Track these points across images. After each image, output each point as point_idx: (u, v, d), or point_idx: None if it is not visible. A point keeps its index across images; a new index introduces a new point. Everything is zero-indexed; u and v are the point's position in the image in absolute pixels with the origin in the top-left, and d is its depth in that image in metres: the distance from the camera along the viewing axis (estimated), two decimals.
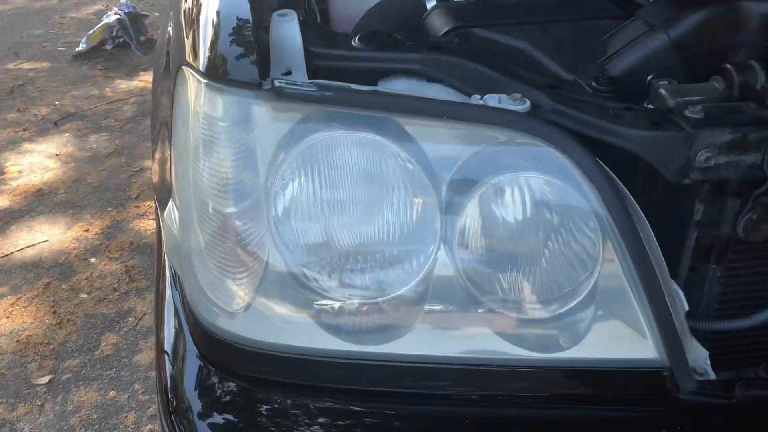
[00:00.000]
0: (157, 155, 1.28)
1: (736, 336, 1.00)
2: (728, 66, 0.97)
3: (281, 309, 0.91)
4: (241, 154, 0.91)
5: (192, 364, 0.97)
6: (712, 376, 0.89)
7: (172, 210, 1.02)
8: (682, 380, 0.86)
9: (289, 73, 0.95)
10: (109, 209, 2.90)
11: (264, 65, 0.92)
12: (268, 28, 1.01)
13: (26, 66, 4.35)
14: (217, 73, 0.91)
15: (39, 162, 3.26)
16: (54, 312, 2.33)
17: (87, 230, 2.76)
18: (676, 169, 0.89)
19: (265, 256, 0.90)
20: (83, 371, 2.10)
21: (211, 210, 0.92)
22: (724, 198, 0.92)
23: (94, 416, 1.95)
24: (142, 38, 4.59)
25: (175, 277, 1.06)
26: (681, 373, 0.86)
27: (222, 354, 0.93)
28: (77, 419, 1.94)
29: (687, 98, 0.95)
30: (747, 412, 0.88)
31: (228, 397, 0.93)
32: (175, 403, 0.96)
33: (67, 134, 3.53)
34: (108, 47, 4.51)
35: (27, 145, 3.41)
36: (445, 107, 0.86)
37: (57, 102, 3.87)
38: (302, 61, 0.96)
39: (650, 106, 0.99)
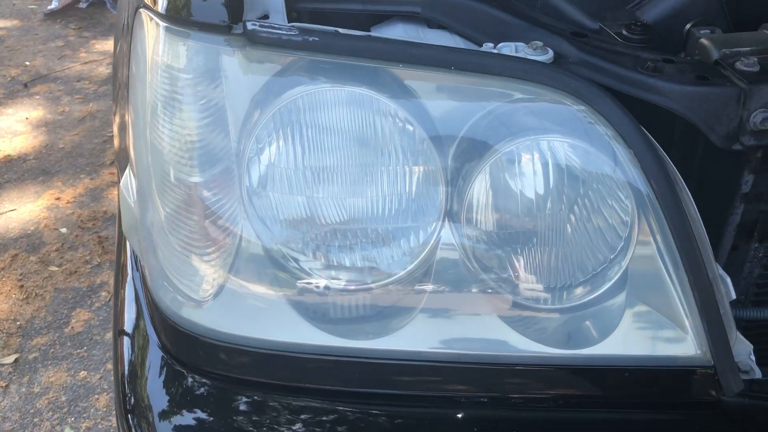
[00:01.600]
0: (117, 117, 1.12)
1: None
2: None
3: (256, 296, 0.77)
4: (209, 113, 0.76)
5: (154, 357, 0.83)
6: (758, 374, 0.77)
7: (129, 179, 0.87)
8: (728, 380, 0.73)
9: (266, 17, 0.80)
10: (81, 176, 2.73)
11: (236, 7, 0.77)
12: None
13: None
14: (179, 15, 0.75)
15: (7, 126, 3.07)
16: (21, 286, 2.18)
17: (58, 198, 2.59)
18: (726, 132, 0.75)
19: (238, 234, 0.76)
20: (52, 350, 1.96)
21: (173, 179, 0.78)
22: (764, 170, 0.79)
23: (63, 398, 1.82)
24: None
25: (135, 257, 0.92)
26: (727, 373, 0.73)
27: (187, 348, 0.79)
28: (44, 402, 1.81)
29: (735, 49, 0.81)
30: None
31: (194, 398, 0.79)
32: (133, 400, 0.83)
33: (37, 97, 3.33)
34: (82, 5, 4.28)
35: None
36: (453, 55, 0.71)
37: (27, 63, 3.66)
38: (281, 3, 0.81)
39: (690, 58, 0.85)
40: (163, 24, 0.76)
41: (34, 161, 2.83)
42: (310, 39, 0.71)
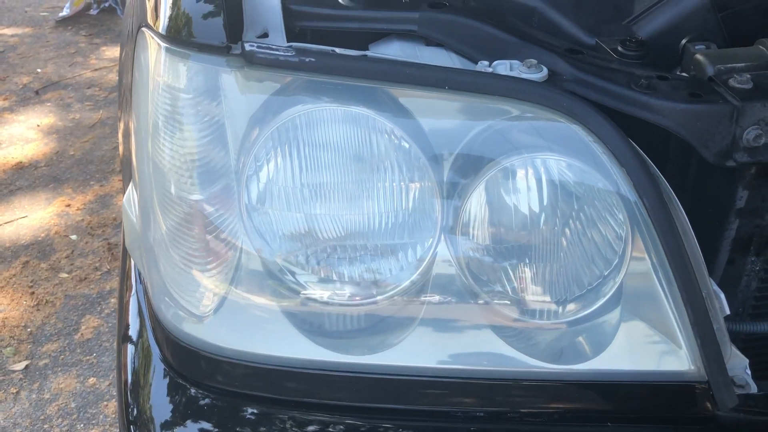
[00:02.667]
0: (122, 123, 1.14)
1: None
2: None
3: (256, 311, 0.78)
4: (209, 132, 0.77)
5: (156, 370, 0.85)
6: (754, 388, 0.77)
7: (131, 195, 0.89)
8: (722, 396, 0.74)
9: (265, 35, 0.81)
10: (91, 183, 2.76)
11: (235, 26, 0.79)
12: None
13: (7, 32, 4.16)
14: (179, 36, 0.77)
15: (19, 133, 3.11)
16: (32, 293, 2.21)
17: (68, 205, 2.63)
18: (719, 149, 0.76)
19: (238, 249, 0.77)
20: (62, 356, 1.99)
21: (174, 196, 0.79)
22: (759, 185, 0.79)
23: (72, 405, 1.84)
24: (128, 1, 4.40)
25: (138, 270, 0.94)
26: (721, 388, 0.73)
27: (189, 362, 0.80)
28: (54, 408, 1.83)
29: (730, 65, 0.82)
30: None
31: (195, 410, 0.80)
32: (135, 411, 0.84)
33: (49, 104, 3.37)
34: (93, 12, 4.33)
35: (7, 116, 3.26)
36: (448, 75, 0.72)
37: (39, 70, 3.70)
38: (281, 22, 0.83)
39: (685, 74, 0.86)
40: (163, 44, 0.78)
41: (45, 168, 2.86)
42: (307, 60, 0.72)
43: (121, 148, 1.19)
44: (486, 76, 0.73)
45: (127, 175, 0.99)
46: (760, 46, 0.85)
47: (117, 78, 3.59)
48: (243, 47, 0.73)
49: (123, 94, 1.16)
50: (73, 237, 2.46)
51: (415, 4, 0.86)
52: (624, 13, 0.94)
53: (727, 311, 0.75)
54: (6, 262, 2.34)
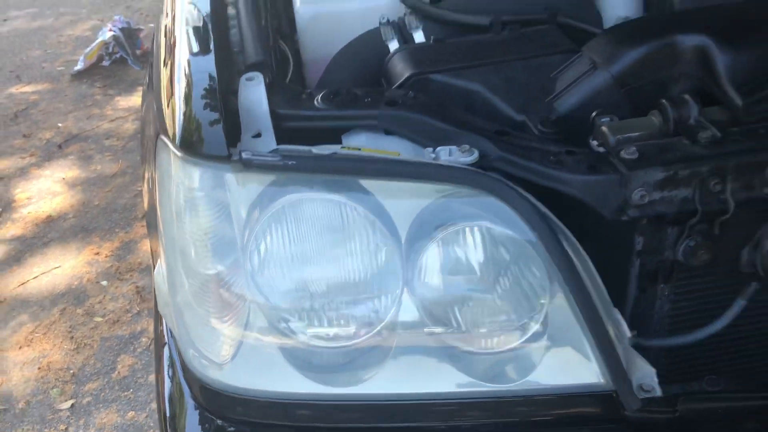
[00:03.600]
0: (146, 174, 1.36)
1: (686, 350, 1.08)
2: (664, 101, 1.04)
3: (262, 354, 1.01)
4: (218, 216, 1.00)
5: (189, 405, 1.07)
6: (659, 392, 0.98)
7: (161, 269, 1.12)
8: (627, 401, 0.94)
9: (259, 135, 1.04)
10: (117, 230, 3.01)
11: (235, 130, 1.01)
12: (238, 92, 1.10)
13: (28, 89, 4.44)
14: (190, 147, 0.99)
15: (47, 187, 3.37)
16: (71, 337, 2.45)
17: (97, 253, 2.87)
18: (614, 208, 0.97)
19: (246, 307, 1.00)
20: (102, 394, 2.22)
21: (195, 265, 1.02)
22: (662, 228, 1.00)
23: None
24: (138, 52, 4.67)
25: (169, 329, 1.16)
26: (625, 395, 0.94)
27: (213, 399, 1.03)
28: None
29: (627, 135, 1.02)
30: (692, 424, 0.97)
31: None
32: None
33: (71, 157, 3.64)
34: (105, 64, 4.59)
35: (34, 171, 3.52)
36: (396, 167, 0.94)
37: (60, 124, 3.97)
38: (269, 124, 1.05)
39: (595, 142, 1.06)
40: (178, 153, 1.00)
41: (73, 219, 3.12)
42: (290, 162, 0.94)
43: (145, 200, 1.39)
44: (425, 165, 0.95)
45: (151, 220, 1.22)
46: (652, 117, 1.06)
47: (132, 127, 3.86)
48: (241, 156, 0.95)
49: (146, 145, 1.37)
50: (104, 283, 2.71)
51: (375, 102, 1.08)
52: (548, 91, 1.15)
53: (628, 334, 0.96)
54: (46, 311, 2.58)
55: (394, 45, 1.34)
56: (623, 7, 1.60)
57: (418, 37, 1.34)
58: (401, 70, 1.25)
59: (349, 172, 0.95)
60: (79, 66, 4.55)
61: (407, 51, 1.28)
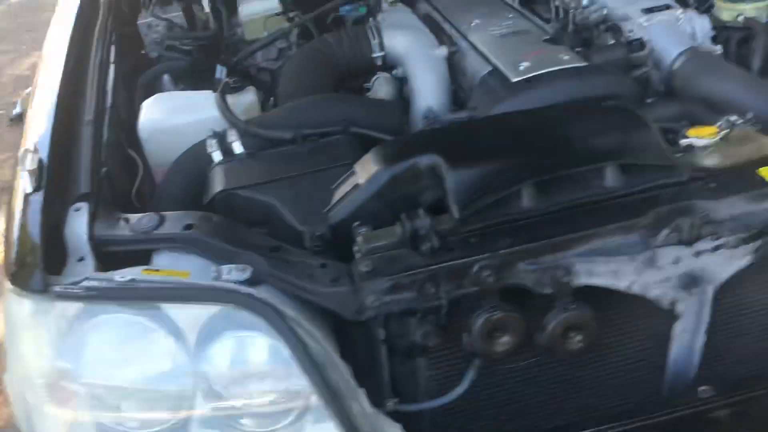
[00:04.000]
0: None
1: (446, 412, 1.35)
2: (402, 215, 1.30)
3: None
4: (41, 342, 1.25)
5: None
6: None
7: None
8: None
9: (82, 259, 1.29)
10: None
11: (60, 257, 1.26)
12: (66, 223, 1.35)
13: None
14: (16, 281, 1.24)
15: None
16: None
17: None
18: (353, 311, 1.23)
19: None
20: None
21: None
22: (399, 320, 1.27)
23: None
24: None
25: None
26: None
27: None
28: None
29: (374, 244, 1.28)
30: None
31: None
32: None
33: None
34: None
35: None
36: (174, 292, 1.21)
37: None
38: (89, 250, 1.30)
39: (357, 248, 1.32)
40: (9, 286, 1.25)
41: None
42: (90, 293, 1.20)
43: None
44: (196, 288, 1.21)
45: None
46: (397, 227, 1.31)
47: None
48: (52, 290, 1.20)
49: None
50: None
51: (176, 225, 1.33)
52: (325, 204, 1.41)
53: (369, 411, 1.23)
54: None
55: (218, 156, 1.59)
56: (431, 99, 1.87)
57: (237, 148, 1.60)
58: (215, 184, 1.51)
59: (139, 298, 1.21)
60: (18, 110, 4.71)
61: (220, 168, 1.54)
